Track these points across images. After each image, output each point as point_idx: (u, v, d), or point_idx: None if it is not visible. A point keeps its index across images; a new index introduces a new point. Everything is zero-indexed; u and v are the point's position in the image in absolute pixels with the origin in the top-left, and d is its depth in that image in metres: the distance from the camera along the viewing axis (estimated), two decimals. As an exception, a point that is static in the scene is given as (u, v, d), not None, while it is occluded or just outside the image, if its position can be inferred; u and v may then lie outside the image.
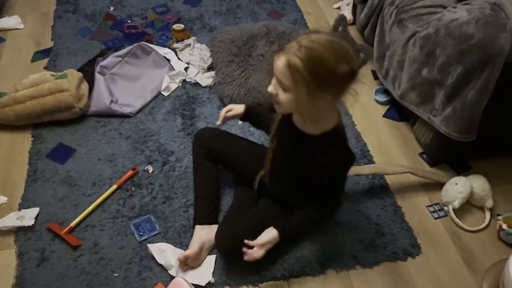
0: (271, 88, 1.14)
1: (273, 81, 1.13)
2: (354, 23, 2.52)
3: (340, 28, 2.23)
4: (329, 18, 2.62)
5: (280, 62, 1.08)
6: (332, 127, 1.22)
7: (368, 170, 1.72)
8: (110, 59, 2.02)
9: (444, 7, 1.76)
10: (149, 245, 1.47)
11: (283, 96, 1.12)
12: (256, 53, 2.02)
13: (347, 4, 2.59)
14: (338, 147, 1.24)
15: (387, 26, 1.98)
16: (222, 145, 1.57)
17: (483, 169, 1.80)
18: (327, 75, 1.05)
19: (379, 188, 1.74)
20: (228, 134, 1.64)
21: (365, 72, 2.27)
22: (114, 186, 1.65)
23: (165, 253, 1.44)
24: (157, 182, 1.69)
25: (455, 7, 1.69)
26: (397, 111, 2.06)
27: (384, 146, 1.92)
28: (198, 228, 1.48)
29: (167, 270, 1.43)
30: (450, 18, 1.55)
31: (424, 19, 1.78)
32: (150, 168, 1.73)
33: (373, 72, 2.24)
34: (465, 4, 1.66)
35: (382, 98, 2.11)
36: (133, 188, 1.66)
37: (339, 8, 2.67)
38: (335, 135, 1.24)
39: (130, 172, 1.69)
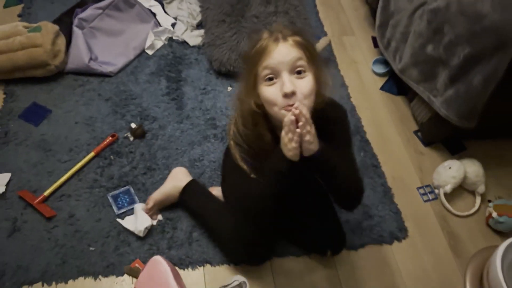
0: (289, 86, 0.94)
1: (284, 76, 0.96)
2: (357, -18, 2.34)
3: None
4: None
5: (284, 47, 0.97)
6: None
7: None
8: (89, 11, 1.85)
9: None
10: (119, 220, 1.41)
11: (304, 83, 0.97)
12: (250, 13, 1.86)
13: (352, -39, 2.38)
14: (332, 107, 1.14)
15: (393, -9, 1.82)
16: None
17: (478, 151, 1.74)
18: (313, 45, 1.04)
19: (370, 167, 1.67)
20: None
21: (365, 38, 2.13)
22: (92, 154, 1.55)
23: (136, 220, 1.39)
24: (138, 151, 1.60)
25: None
26: (395, 84, 1.95)
27: (379, 122, 1.83)
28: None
29: (145, 246, 1.37)
30: (464, -7, 1.41)
31: (434, -12, 1.63)
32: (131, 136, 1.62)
33: (374, 39, 2.11)
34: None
35: (380, 69, 1.99)
36: (112, 156, 1.57)
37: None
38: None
39: (109, 139, 1.59)
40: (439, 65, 1.57)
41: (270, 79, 0.97)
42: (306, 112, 0.93)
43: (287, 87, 0.94)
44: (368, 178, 1.64)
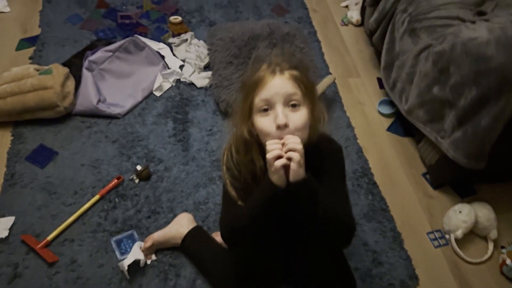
0: (282, 119, 0.95)
1: (278, 109, 0.97)
2: (361, 24, 2.38)
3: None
4: (335, 17, 2.48)
5: (280, 80, 1.00)
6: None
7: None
8: (100, 54, 1.89)
9: (461, 19, 1.63)
10: (119, 264, 1.37)
11: (297, 116, 0.98)
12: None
13: (356, 4, 2.44)
14: (327, 142, 1.15)
15: (398, 34, 1.85)
16: None
17: (488, 194, 1.71)
18: (311, 80, 1.06)
19: (379, 211, 1.64)
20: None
21: (370, 79, 2.15)
22: (97, 197, 1.54)
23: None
24: (143, 194, 1.58)
25: (473, 22, 1.56)
26: (401, 125, 1.94)
27: (387, 164, 1.81)
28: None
29: None
30: (468, 36, 1.42)
31: (438, 32, 1.65)
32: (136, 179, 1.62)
33: (379, 80, 2.12)
34: (484, 19, 1.53)
35: (386, 110, 1.99)
36: (116, 199, 1.55)
37: (347, 7, 2.52)
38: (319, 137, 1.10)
39: (114, 181, 1.58)
40: (446, 106, 1.56)
41: (265, 110, 0.99)
42: (297, 139, 0.95)
43: (280, 119, 0.96)
44: (377, 222, 1.61)
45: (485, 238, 1.60)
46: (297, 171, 0.96)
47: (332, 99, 2.02)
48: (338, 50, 2.28)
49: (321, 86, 1.88)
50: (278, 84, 0.99)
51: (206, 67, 2.04)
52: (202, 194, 1.60)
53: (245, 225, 1.05)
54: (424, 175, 1.79)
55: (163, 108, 1.88)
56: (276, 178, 0.98)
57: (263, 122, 1.00)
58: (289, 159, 0.94)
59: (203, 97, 1.94)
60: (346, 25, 2.42)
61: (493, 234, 1.58)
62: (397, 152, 1.86)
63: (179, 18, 2.24)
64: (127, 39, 1.92)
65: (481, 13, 1.66)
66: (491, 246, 1.57)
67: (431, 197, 1.72)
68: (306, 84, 1.03)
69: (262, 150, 1.04)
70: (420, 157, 1.84)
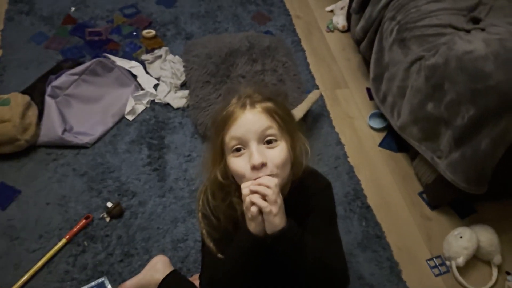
0: (257, 158, 0.83)
1: (252, 147, 0.85)
2: (348, 30, 2.25)
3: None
4: (320, 23, 2.34)
5: (251, 115, 0.87)
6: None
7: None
8: (64, 78, 1.73)
9: (454, 27, 1.51)
10: None
11: (276, 153, 0.86)
12: (236, 73, 1.75)
13: (341, 8, 2.31)
14: (313, 178, 1.03)
15: (387, 43, 1.71)
16: None
17: (489, 213, 1.60)
18: (288, 110, 0.95)
19: (373, 239, 1.51)
20: None
21: (359, 90, 2.02)
22: (64, 240, 1.40)
23: None
24: (115, 234, 1.44)
25: (468, 31, 1.44)
26: (394, 140, 1.82)
27: (380, 184, 1.69)
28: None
29: None
30: (463, 49, 1.30)
31: (430, 41, 1.52)
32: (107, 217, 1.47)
33: (368, 90, 1.99)
34: (480, 28, 1.40)
35: (377, 124, 1.86)
36: (85, 242, 1.41)
37: (332, 11, 2.38)
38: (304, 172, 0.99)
39: (83, 221, 1.44)
40: (442, 125, 1.44)
41: (238, 149, 0.86)
42: (270, 182, 0.82)
43: (255, 159, 0.83)
44: (372, 251, 1.48)
45: (488, 263, 1.49)
46: (272, 221, 0.83)
47: (319, 114, 1.89)
48: (324, 59, 2.14)
49: (306, 103, 1.75)
50: (250, 120, 0.87)
51: (183, 85, 1.90)
52: (180, 230, 1.46)
53: (226, 281, 0.92)
54: (420, 194, 1.67)
55: (136, 134, 1.73)
56: (253, 226, 0.85)
57: (237, 163, 0.87)
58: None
59: (180, 118, 1.80)
60: (332, 31, 2.28)
61: (497, 259, 1.46)
62: (391, 170, 1.74)
63: (153, 32, 2.09)
64: (94, 60, 1.77)
65: (475, 20, 1.53)
66: (495, 272, 1.46)
67: (429, 219, 1.60)
68: (282, 115, 0.90)
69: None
70: (415, 174, 1.71)
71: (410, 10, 1.62)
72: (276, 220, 0.84)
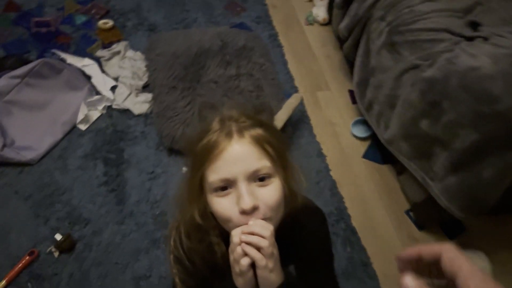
0: (248, 202, 0.66)
1: (242, 187, 0.67)
2: (329, 23, 2.06)
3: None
4: (299, 14, 2.13)
5: (240, 148, 0.69)
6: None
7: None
8: (3, 81, 1.47)
9: (450, 32, 1.34)
10: None
11: (269, 192, 0.69)
12: (207, 78, 1.54)
13: (322, -1, 2.10)
14: (306, 212, 0.86)
15: (374, 46, 1.54)
16: None
17: (478, 230, 1.51)
18: (279, 135, 0.78)
19: (359, 267, 1.38)
20: None
21: (341, 91, 1.85)
22: (3, 283, 1.18)
23: None
24: (65, 271, 1.24)
25: (468, 38, 1.28)
26: (379, 150, 1.67)
27: (364, 201, 1.55)
28: None
29: None
30: (467, 65, 1.14)
31: (425, 48, 1.35)
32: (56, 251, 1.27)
33: (351, 92, 1.83)
34: (483, 37, 1.25)
35: (361, 133, 1.71)
36: (29, 283, 1.21)
37: (311, 1, 2.18)
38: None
39: (26, 258, 1.23)
40: (437, 145, 1.30)
41: (223, 188, 0.68)
42: (265, 231, 0.66)
43: (245, 203, 0.66)
44: (358, 280, 1.35)
45: (479, 290, 1.38)
46: (267, 277, 0.67)
47: (299, 120, 1.71)
48: (304, 57, 1.95)
49: (286, 110, 1.57)
50: (238, 154, 0.69)
51: (145, 87, 1.67)
52: (143, 265, 1.28)
53: None
54: (407, 212, 1.54)
55: (90, 146, 1.51)
56: (242, 282, 0.69)
57: (222, 205, 0.69)
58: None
59: (142, 127, 1.58)
60: (311, 24, 2.08)
61: (489, 287, 1.36)
62: (376, 184, 1.60)
63: (110, 23, 1.84)
64: (39, 60, 1.51)
65: (473, 24, 1.37)
66: (487, 300, 1.36)
67: (416, 240, 1.48)
68: (274, 145, 0.72)
69: (224, 232, 0.74)
70: (401, 189, 1.58)
71: (402, 11, 1.45)
72: (272, 277, 0.68)
